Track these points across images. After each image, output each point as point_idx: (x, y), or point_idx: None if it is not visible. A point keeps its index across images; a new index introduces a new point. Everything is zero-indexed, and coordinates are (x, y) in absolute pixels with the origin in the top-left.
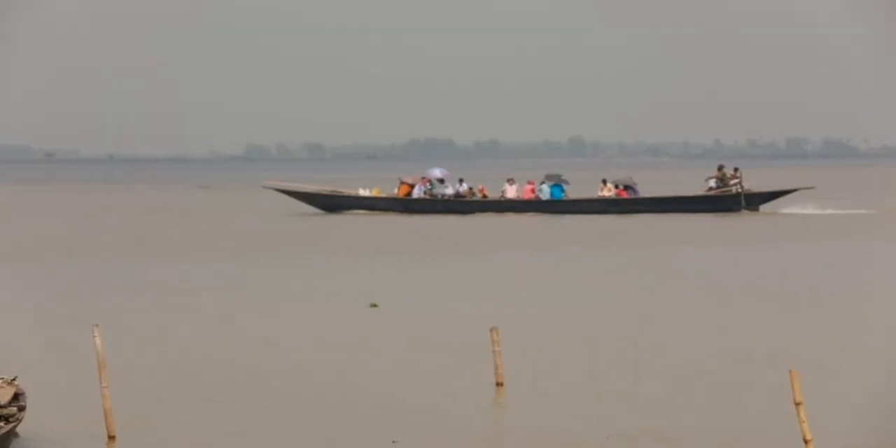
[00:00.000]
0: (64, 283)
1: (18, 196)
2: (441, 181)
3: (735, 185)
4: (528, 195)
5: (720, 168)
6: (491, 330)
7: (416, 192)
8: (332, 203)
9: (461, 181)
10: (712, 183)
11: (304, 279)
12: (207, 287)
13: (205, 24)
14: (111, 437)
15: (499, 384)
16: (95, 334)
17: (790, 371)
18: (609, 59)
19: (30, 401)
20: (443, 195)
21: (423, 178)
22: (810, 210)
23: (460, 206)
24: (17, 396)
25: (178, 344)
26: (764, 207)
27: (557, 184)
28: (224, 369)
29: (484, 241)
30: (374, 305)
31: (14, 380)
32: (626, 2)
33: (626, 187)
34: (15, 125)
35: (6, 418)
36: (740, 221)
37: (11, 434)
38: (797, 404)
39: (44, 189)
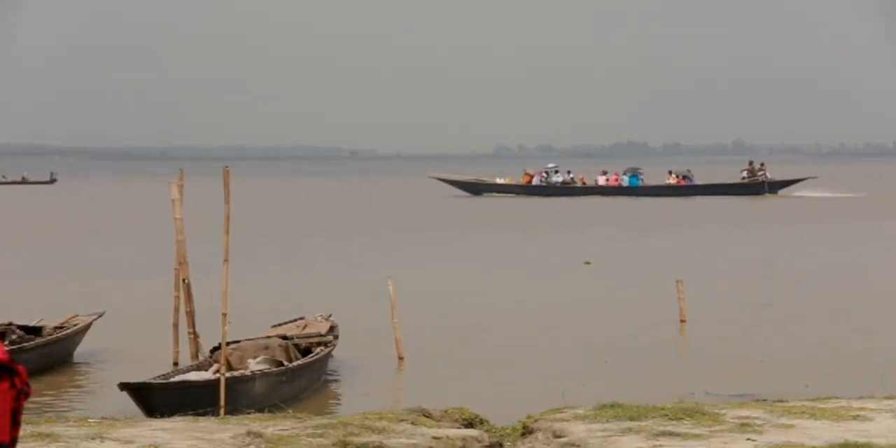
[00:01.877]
0: (359, 249)
1: (325, 185)
2: (555, 172)
3: (761, 175)
4: (613, 183)
5: (751, 163)
6: (677, 282)
7: (535, 180)
8: (475, 188)
9: (568, 172)
10: (744, 174)
11: (514, 245)
12: (449, 252)
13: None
14: (400, 358)
15: (682, 321)
16: (389, 284)
17: None
18: (759, 74)
19: (341, 331)
20: (554, 182)
21: (540, 170)
22: (816, 193)
23: (566, 190)
24: (332, 328)
25: (447, 292)
26: (781, 192)
27: (634, 175)
28: (476, 312)
29: (616, 217)
30: (588, 263)
31: (330, 316)
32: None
33: (684, 177)
34: (329, 130)
35: (325, 344)
36: (764, 201)
37: (328, 355)
38: None
39: (345, 180)
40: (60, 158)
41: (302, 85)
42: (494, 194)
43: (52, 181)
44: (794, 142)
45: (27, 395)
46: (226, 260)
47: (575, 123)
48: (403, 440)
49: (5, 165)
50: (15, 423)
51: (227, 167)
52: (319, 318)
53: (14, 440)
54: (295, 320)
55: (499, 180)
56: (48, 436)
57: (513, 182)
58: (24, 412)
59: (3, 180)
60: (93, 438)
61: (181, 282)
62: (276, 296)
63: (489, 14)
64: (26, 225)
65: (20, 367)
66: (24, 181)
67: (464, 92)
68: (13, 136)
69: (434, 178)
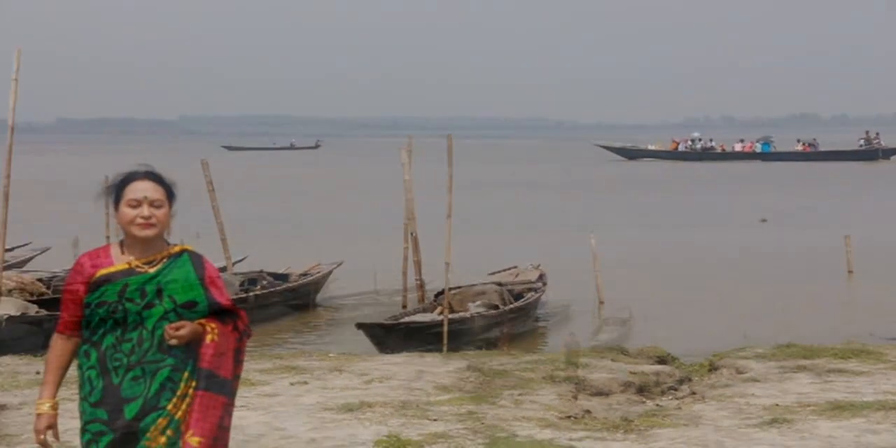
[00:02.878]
0: (562, 208)
1: (527, 150)
2: (699, 140)
3: (876, 143)
4: (748, 149)
5: (867, 133)
6: (845, 237)
7: (681, 147)
8: (630, 154)
9: (710, 140)
10: (861, 142)
11: (690, 204)
12: (634, 209)
13: None
14: (601, 302)
15: (850, 272)
16: (591, 238)
17: None
18: None
19: (549, 279)
20: (698, 148)
21: (685, 138)
22: None
23: (708, 155)
24: (541, 276)
25: (639, 245)
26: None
27: (766, 142)
28: (666, 262)
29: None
30: (764, 220)
31: (539, 266)
32: None
33: (809, 144)
34: (536, 101)
35: (535, 290)
36: (878, 165)
37: (538, 300)
38: None
39: (545, 147)
40: (326, 127)
41: (518, 61)
42: (646, 159)
43: (317, 146)
44: None
45: (248, 336)
46: (449, 216)
47: (755, 95)
48: (604, 375)
49: (297, 134)
50: (237, 362)
51: (450, 135)
52: (530, 267)
53: (237, 376)
54: (508, 269)
55: (650, 147)
56: (294, 368)
57: (662, 148)
58: (267, 349)
59: (273, 146)
60: (332, 371)
61: (409, 235)
62: (492, 248)
63: None
64: (287, 183)
65: (242, 312)
66: (292, 147)
67: (657, 66)
68: (291, 110)
69: (598, 145)
